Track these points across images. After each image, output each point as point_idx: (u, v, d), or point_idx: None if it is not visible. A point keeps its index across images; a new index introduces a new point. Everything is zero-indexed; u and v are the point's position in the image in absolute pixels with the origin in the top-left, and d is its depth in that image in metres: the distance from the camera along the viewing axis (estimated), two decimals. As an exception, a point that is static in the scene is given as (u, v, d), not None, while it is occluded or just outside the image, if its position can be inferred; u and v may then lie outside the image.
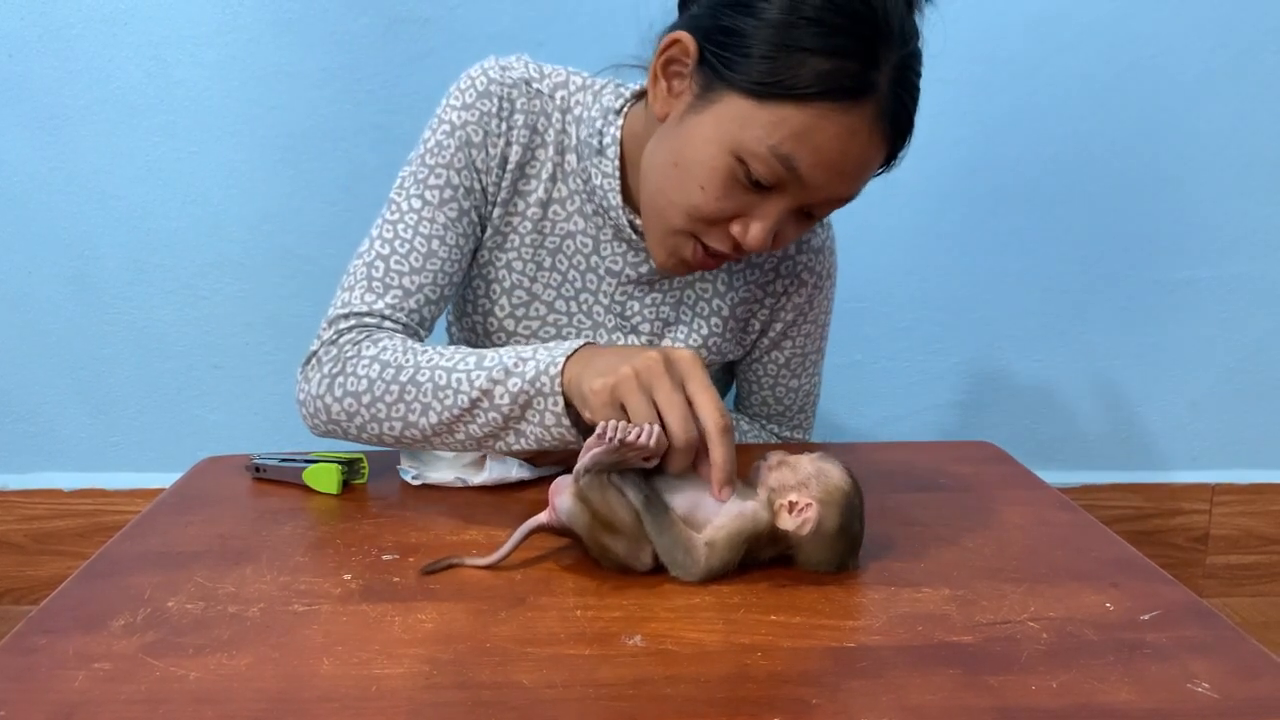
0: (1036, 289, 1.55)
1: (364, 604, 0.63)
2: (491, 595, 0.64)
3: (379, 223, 0.86)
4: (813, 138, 0.71)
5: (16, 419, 1.57)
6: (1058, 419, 1.63)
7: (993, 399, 1.61)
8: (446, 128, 0.86)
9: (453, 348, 0.77)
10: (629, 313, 0.93)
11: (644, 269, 0.91)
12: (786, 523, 0.64)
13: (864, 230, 1.50)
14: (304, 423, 0.84)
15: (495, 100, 0.86)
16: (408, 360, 0.76)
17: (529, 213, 0.90)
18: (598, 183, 0.87)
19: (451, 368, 0.73)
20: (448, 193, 0.86)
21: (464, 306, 0.96)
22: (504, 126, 0.87)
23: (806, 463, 0.67)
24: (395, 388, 0.75)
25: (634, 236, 0.88)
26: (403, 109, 1.39)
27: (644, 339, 0.94)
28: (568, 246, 0.91)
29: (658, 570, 0.66)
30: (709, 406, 0.64)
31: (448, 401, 0.73)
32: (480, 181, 0.88)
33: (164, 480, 0.90)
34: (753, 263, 0.94)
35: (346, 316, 0.82)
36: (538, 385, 0.69)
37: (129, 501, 1.58)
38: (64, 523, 1.60)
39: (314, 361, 0.82)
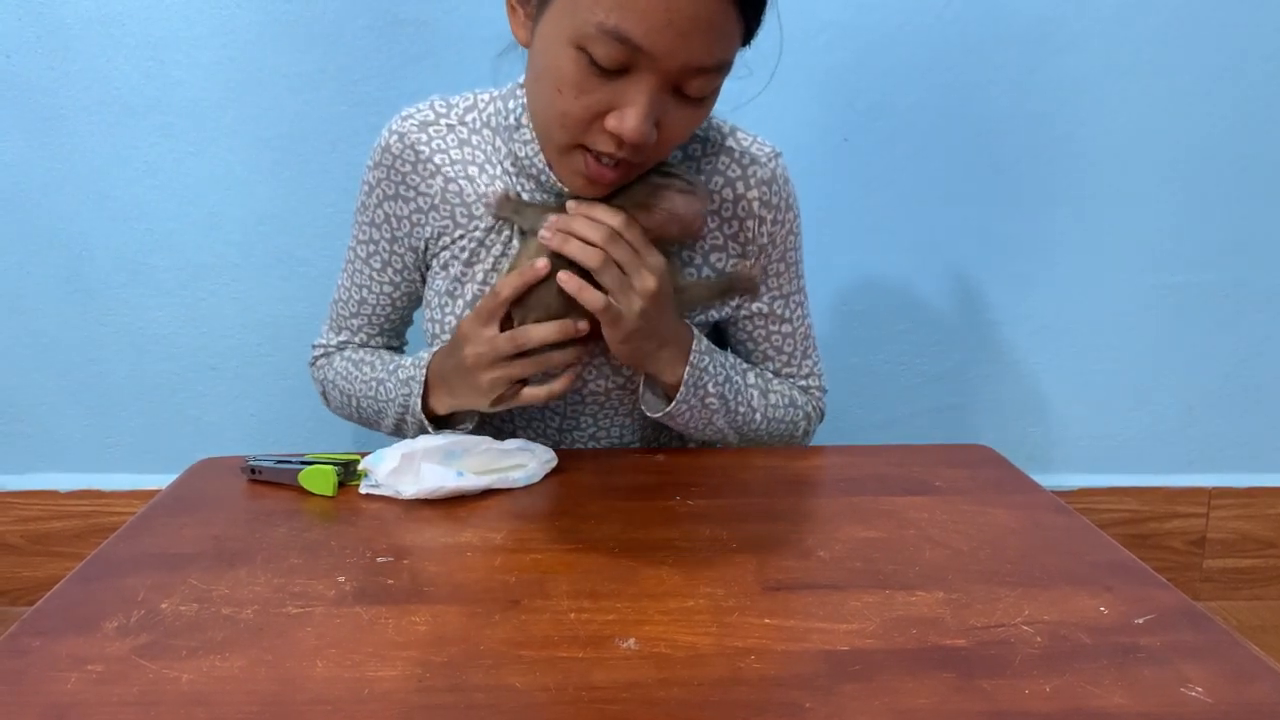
0: (1032, 292, 1.55)
1: (357, 606, 0.63)
2: (485, 598, 0.64)
3: (341, 267, 1.03)
4: (635, 2, 0.70)
5: (12, 420, 1.57)
6: (1053, 422, 1.63)
7: (988, 402, 1.61)
8: (366, 188, 0.96)
9: (370, 369, 0.98)
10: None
11: None
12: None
13: (859, 233, 1.51)
14: None
15: (397, 151, 0.93)
16: (350, 390, 1.01)
17: (471, 225, 0.93)
18: (523, 155, 0.88)
19: (376, 397, 0.97)
20: (371, 247, 0.98)
21: (434, 329, 0.96)
22: (408, 168, 0.93)
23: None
24: (357, 413, 1.02)
25: (570, 193, 0.88)
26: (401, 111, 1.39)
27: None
28: (514, 244, 0.92)
29: None
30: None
31: (385, 423, 0.98)
32: (405, 226, 0.95)
33: (161, 481, 0.90)
34: (708, 210, 0.92)
35: (319, 347, 1.06)
36: (422, 429, 0.93)
37: (126, 503, 1.58)
38: (60, 524, 1.60)
39: (312, 378, 1.08)
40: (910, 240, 1.52)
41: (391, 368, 0.96)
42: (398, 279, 0.99)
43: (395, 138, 0.93)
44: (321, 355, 1.05)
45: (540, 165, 0.87)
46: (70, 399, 1.55)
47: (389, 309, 1.02)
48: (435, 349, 0.92)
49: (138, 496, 1.57)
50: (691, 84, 0.76)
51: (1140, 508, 1.65)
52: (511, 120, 0.88)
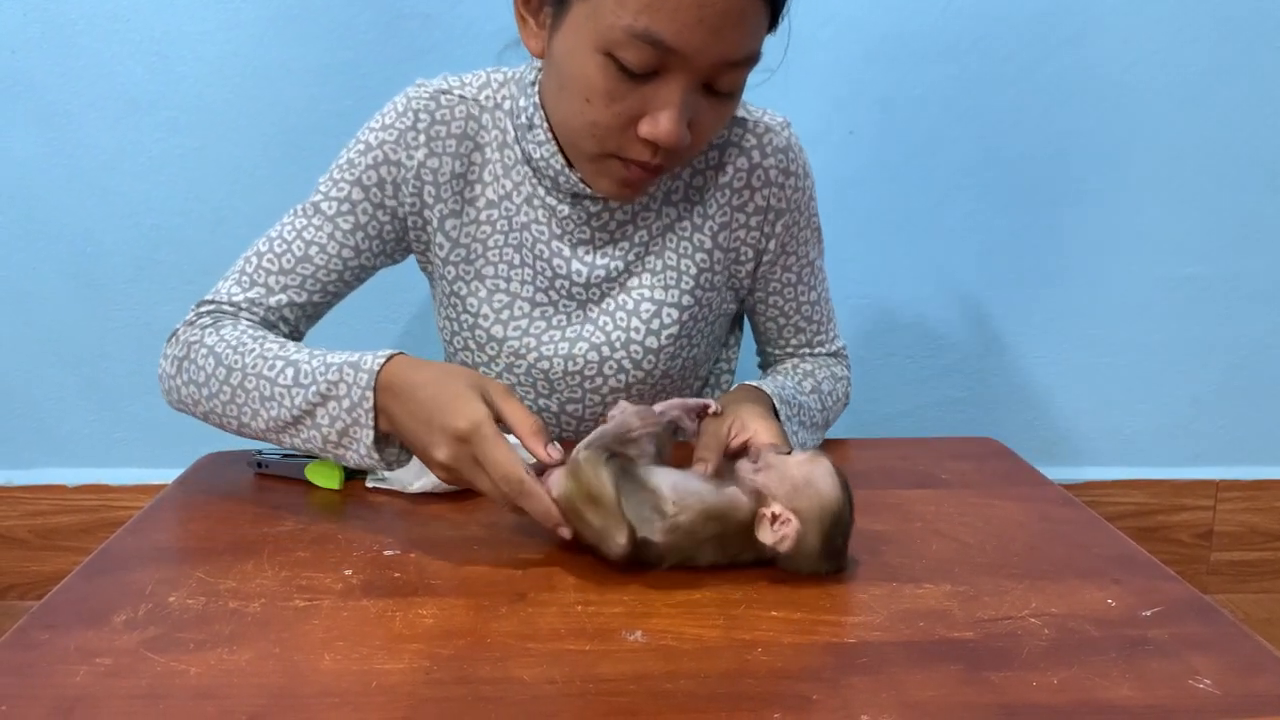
0: (1039, 285, 1.55)
1: (365, 599, 0.63)
2: (492, 591, 0.64)
3: (272, 227, 0.90)
4: (664, 2, 0.68)
5: (20, 415, 1.57)
6: (1060, 415, 1.62)
7: (995, 395, 1.61)
8: (361, 146, 0.89)
9: (279, 346, 0.78)
10: (613, 274, 0.90)
11: (612, 225, 0.89)
12: (765, 535, 0.64)
13: (866, 226, 1.50)
14: (164, 399, 0.87)
15: (413, 115, 0.88)
16: (237, 361, 0.79)
17: (484, 215, 0.90)
18: (537, 156, 0.85)
19: (274, 378, 0.76)
20: (345, 206, 0.88)
21: (452, 326, 0.95)
22: (422, 139, 0.88)
23: (794, 467, 0.66)
24: (227, 389, 0.79)
25: (590, 192, 0.86)
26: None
27: (634, 296, 0.91)
28: (527, 238, 0.90)
29: (639, 566, 0.66)
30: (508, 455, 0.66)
31: (273, 413, 0.76)
32: (396, 198, 0.89)
33: (167, 476, 0.90)
34: (720, 183, 0.91)
35: (210, 303, 0.87)
36: (353, 415, 0.72)
37: (132, 497, 1.58)
38: (68, 518, 1.60)
39: (173, 339, 0.86)
40: (916, 233, 1.51)
41: (319, 354, 0.77)
42: (363, 246, 0.90)
43: (415, 101, 0.88)
44: (210, 312, 0.86)
45: (558, 166, 0.85)
46: (77, 394, 1.56)
47: (332, 276, 0.89)
48: (384, 362, 0.72)
49: (145, 491, 1.57)
50: (723, 79, 0.74)
51: (1148, 500, 1.65)
52: (524, 120, 0.86)
